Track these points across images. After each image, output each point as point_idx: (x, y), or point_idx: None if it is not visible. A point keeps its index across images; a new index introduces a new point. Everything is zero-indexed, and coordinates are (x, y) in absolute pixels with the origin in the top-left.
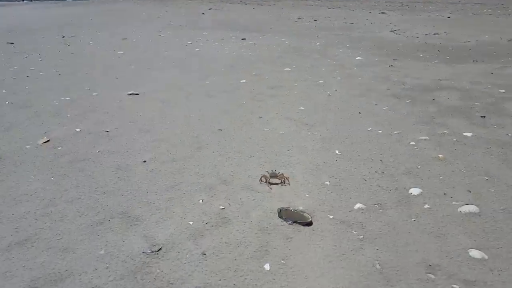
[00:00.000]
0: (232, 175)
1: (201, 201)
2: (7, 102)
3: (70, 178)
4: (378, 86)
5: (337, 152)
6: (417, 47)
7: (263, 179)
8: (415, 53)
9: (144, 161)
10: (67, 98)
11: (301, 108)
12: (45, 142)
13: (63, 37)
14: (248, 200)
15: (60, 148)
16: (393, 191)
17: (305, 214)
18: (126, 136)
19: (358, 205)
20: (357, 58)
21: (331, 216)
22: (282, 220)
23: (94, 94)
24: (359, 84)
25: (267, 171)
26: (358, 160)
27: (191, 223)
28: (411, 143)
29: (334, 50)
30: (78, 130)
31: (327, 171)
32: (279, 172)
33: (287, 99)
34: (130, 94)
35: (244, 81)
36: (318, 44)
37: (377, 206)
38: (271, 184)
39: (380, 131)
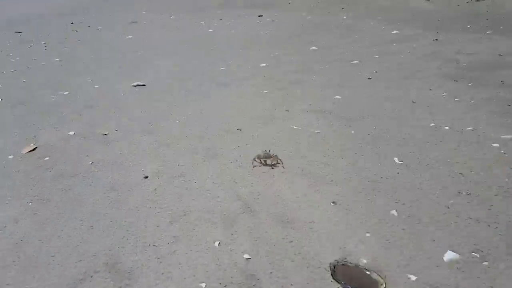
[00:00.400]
0: (258, 198)
1: (217, 244)
2: (0, 99)
3: (51, 204)
4: (427, 66)
5: (396, 160)
6: (461, 16)
7: (257, 160)
8: (460, 23)
9: (145, 177)
10: (66, 93)
11: (337, 97)
12: (30, 150)
13: (72, 23)
14: (282, 242)
15: (46, 158)
16: (497, 227)
17: (374, 275)
18: (126, 140)
19: (449, 255)
20: (393, 32)
21: (412, 278)
22: (340, 286)
23: (96, 86)
24: (402, 64)
25: (261, 152)
26: (428, 173)
27: (203, 286)
28: (494, 144)
29: (364, 23)
30: (71, 133)
31: (388, 190)
32: (273, 154)
33: (317, 85)
34: (135, 86)
35: (264, 64)
36: (344, 17)
37: (478, 257)
38: (265, 165)
39: (447, 127)
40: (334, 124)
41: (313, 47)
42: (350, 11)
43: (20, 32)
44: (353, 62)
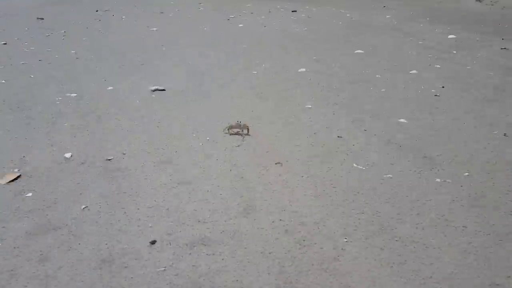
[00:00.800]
0: None
1: None
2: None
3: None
4: (506, 83)
5: None
6: None
7: (226, 130)
8: None
9: (152, 243)
10: (74, 95)
11: (402, 120)
12: (12, 180)
13: (97, 11)
14: None
15: (29, 195)
16: None
17: None
18: (134, 173)
19: None
20: (449, 37)
21: None
22: None
23: (109, 88)
24: (472, 78)
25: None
26: None
27: None
28: None
29: (413, 24)
30: (67, 155)
31: None
32: (241, 123)
33: (377, 102)
34: (154, 90)
35: (303, 70)
36: (388, 16)
37: None
38: (233, 134)
39: None
40: (409, 163)
41: (359, 50)
42: (393, 9)
43: (42, 19)
44: (411, 72)
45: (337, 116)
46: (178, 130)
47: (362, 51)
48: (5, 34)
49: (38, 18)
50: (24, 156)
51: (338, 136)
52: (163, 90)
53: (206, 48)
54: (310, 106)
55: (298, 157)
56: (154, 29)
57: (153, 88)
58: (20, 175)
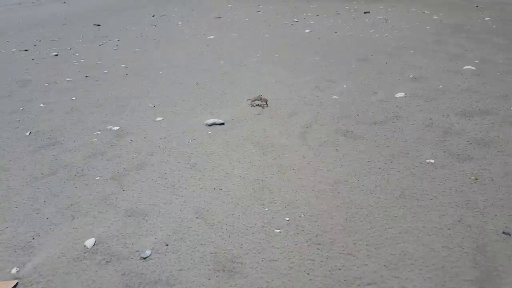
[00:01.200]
0: None
1: None
2: (28, 133)
3: None
4: None
5: None
6: None
7: (249, 102)
8: None
9: None
10: (115, 128)
11: None
12: None
13: (153, 16)
14: None
15: None
16: None
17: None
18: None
19: None
20: None
21: None
22: None
23: (158, 119)
24: None
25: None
26: None
27: None
28: None
29: None
30: (88, 244)
31: None
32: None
33: None
34: (211, 125)
35: (401, 94)
36: (487, 18)
37: None
38: (256, 105)
39: None
40: None
41: (468, 66)
42: (487, 10)
43: (99, 25)
44: None
45: (486, 187)
46: (239, 194)
47: (473, 68)
48: (60, 43)
49: (95, 25)
50: (32, 252)
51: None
52: (222, 124)
53: (269, 62)
54: (432, 161)
55: None
56: (211, 37)
57: (211, 122)
58: (17, 283)
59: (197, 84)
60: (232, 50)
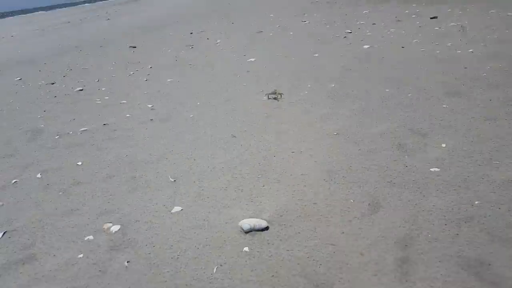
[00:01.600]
0: None
1: None
2: (1, 234)
3: None
4: None
5: None
6: None
7: (266, 96)
8: None
9: None
10: (114, 229)
11: None
12: None
13: (191, 33)
14: None
15: None
16: None
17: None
18: None
19: None
20: None
21: None
22: None
23: (174, 210)
24: None
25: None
26: None
27: None
28: None
29: None
30: None
31: None
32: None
33: None
34: (248, 231)
35: None
36: None
37: None
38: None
39: None
40: None
41: None
42: None
43: (134, 47)
44: None
45: None
46: None
47: None
48: (89, 73)
49: (130, 47)
50: None
51: None
52: (265, 229)
53: (323, 96)
54: None
55: None
56: (252, 59)
57: (247, 226)
58: None
59: (233, 137)
60: (276, 78)
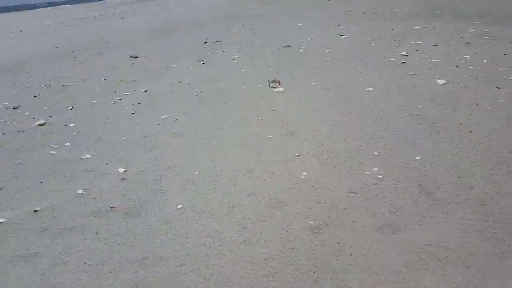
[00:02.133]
0: None
1: None
2: None
3: None
4: None
5: None
6: None
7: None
8: None
9: None
10: None
11: None
12: None
13: (206, 42)
14: None
15: None
16: None
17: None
18: None
19: None
20: None
21: None
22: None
23: None
24: None
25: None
26: None
27: None
28: None
29: None
30: None
31: None
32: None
33: None
34: None
35: None
36: None
37: None
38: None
39: None
40: None
41: None
42: None
43: (136, 57)
44: None
45: None
46: None
47: None
48: (67, 95)
49: (131, 56)
50: None
51: None
52: None
53: (402, 182)
54: None
55: None
56: (280, 89)
57: None
58: None
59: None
60: (316, 129)
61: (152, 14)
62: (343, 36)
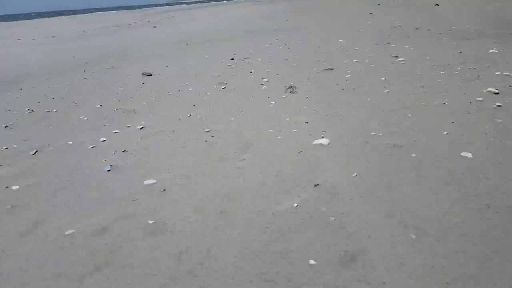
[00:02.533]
0: None
1: None
2: None
3: None
4: None
5: None
6: None
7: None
8: None
9: None
10: None
11: None
12: None
13: (232, 59)
14: None
15: None
16: None
17: None
18: None
19: None
20: None
21: None
22: None
23: None
24: None
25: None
26: None
27: None
28: None
29: None
30: None
31: None
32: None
33: None
34: None
35: None
36: None
37: None
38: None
39: None
40: None
41: None
42: None
43: (150, 75)
44: None
45: None
46: None
47: None
48: (42, 128)
49: (143, 74)
50: None
51: None
52: None
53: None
54: None
55: None
56: (322, 141)
57: None
58: None
59: None
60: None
61: (185, 23)
62: (399, 59)
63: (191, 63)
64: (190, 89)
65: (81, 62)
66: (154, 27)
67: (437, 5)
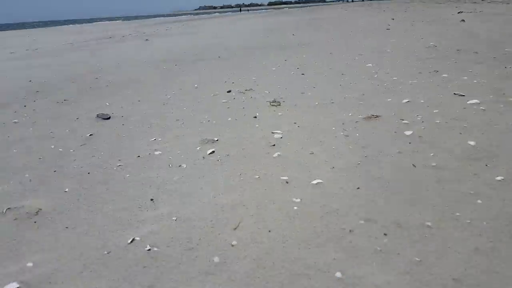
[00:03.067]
0: None
1: None
2: None
3: None
4: None
5: None
6: None
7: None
8: None
9: None
10: None
11: None
12: None
13: (229, 91)
14: None
15: None
16: None
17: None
18: None
19: None
20: None
21: None
22: None
23: None
24: None
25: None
26: None
27: None
28: None
29: None
30: None
31: None
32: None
33: None
34: None
35: None
36: None
37: None
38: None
39: None
40: None
41: None
42: None
43: (107, 118)
44: None
45: None
46: None
47: None
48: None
49: (98, 117)
50: None
51: None
52: None
53: None
54: None
55: None
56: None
57: None
58: None
59: None
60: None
61: (181, 36)
62: (471, 101)
63: (172, 97)
64: (157, 152)
65: (32, 90)
66: (147, 40)
67: (463, 20)
